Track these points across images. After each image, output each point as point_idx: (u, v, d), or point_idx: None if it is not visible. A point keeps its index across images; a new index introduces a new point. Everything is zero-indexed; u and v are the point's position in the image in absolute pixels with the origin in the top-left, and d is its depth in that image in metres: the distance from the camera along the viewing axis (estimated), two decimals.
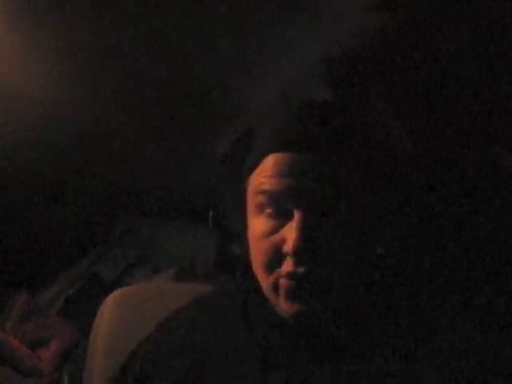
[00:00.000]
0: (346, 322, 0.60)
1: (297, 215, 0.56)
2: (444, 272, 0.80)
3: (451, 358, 0.55)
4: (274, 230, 0.59)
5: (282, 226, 0.58)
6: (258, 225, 0.61)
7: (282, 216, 0.59)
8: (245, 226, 0.66)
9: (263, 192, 0.59)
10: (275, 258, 0.58)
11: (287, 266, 0.57)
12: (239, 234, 0.68)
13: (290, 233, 0.56)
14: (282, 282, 0.58)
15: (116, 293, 0.97)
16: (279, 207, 0.59)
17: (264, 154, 0.60)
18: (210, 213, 1.71)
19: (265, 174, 0.59)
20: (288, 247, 0.56)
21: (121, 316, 0.93)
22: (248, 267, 0.65)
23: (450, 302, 0.63)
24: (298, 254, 0.55)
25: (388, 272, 0.64)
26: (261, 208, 0.60)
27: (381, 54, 0.83)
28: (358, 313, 0.61)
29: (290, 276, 0.57)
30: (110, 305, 0.95)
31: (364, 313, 0.61)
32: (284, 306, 0.58)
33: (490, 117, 0.88)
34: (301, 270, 0.56)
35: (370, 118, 0.63)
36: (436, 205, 0.86)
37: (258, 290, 0.64)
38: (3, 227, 1.63)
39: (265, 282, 0.61)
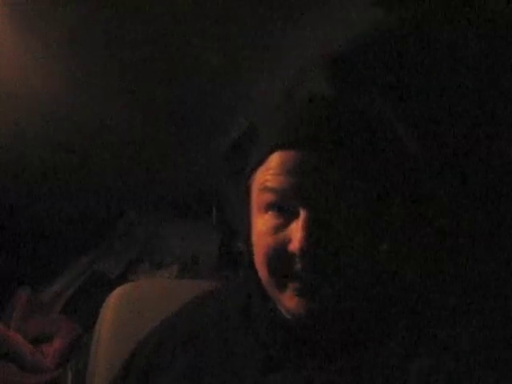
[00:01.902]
0: (350, 320, 0.60)
1: (303, 214, 0.56)
2: (448, 269, 0.80)
3: (454, 357, 0.55)
4: (279, 228, 0.58)
5: (287, 224, 0.58)
6: (262, 222, 0.60)
7: (287, 214, 0.58)
8: (247, 223, 0.65)
9: (269, 190, 0.58)
10: (280, 257, 0.58)
11: (293, 265, 0.57)
12: (242, 230, 0.68)
13: (296, 232, 0.56)
14: (289, 281, 0.58)
15: (119, 289, 0.97)
16: (285, 205, 0.58)
17: (270, 152, 0.60)
18: (214, 209, 1.70)
19: (271, 172, 0.59)
20: (294, 246, 0.55)
21: (124, 312, 0.93)
22: (251, 264, 0.64)
23: (455, 299, 0.63)
24: (304, 254, 0.55)
25: (391, 274, 0.63)
26: (266, 206, 0.60)
27: (386, 50, 0.82)
28: (361, 311, 0.61)
29: (297, 275, 0.57)
30: (113, 301, 0.95)
31: (368, 311, 0.61)
32: (290, 305, 0.58)
33: (496, 115, 0.87)
34: (307, 269, 0.56)
35: (376, 115, 0.62)
36: (441, 202, 0.86)
37: (260, 287, 0.64)
38: (7, 224, 1.63)
39: (268, 280, 0.60)
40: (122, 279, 1.57)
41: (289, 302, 0.58)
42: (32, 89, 1.11)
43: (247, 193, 0.65)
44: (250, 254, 0.64)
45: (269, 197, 0.59)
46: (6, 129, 1.27)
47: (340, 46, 0.83)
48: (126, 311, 0.93)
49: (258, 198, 0.61)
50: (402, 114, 0.80)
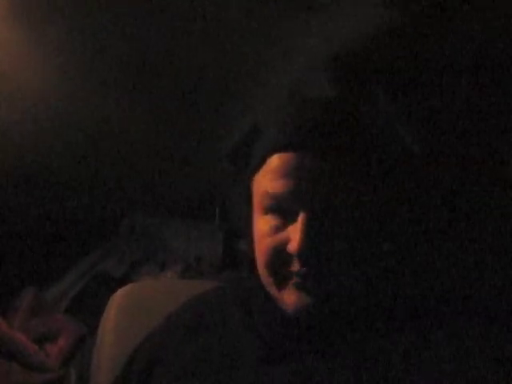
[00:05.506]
0: (349, 317, 0.61)
1: (301, 216, 0.57)
2: (448, 268, 0.80)
3: (453, 354, 0.56)
4: (279, 229, 0.59)
5: (286, 225, 0.59)
6: (262, 223, 0.61)
7: (286, 215, 0.59)
8: (249, 224, 0.66)
9: (268, 194, 0.59)
10: (279, 257, 0.59)
11: (292, 265, 0.58)
12: (244, 231, 0.69)
13: (295, 233, 0.57)
14: (288, 279, 0.59)
15: (123, 289, 0.98)
16: (284, 207, 0.59)
17: (268, 154, 0.60)
18: (217, 210, 1.71)
19: (270, 176, 0.59)
20: (292, 247, 0.56)
21: (128, 312, 0.93)
22: (253, 264, 0.65)
23: (454, 297, 0.63)
24: (302, 255, 0.56)
25: (392, 270, 0.64)
26: (266, 208, 0.61)
27: (387, 51, 0.82)
28: (360, 308, 0.61)
29: (295, 275, 0.58)
30: (117, 301, 0.95)
31: (366, 308, 0.61)
32: (288, 301, 0.59)
33: (498, 117, 0.87)
34: (305, 269, 0.57)
35: (376, 117, 0.62)
36: (440, 204, 0.86)
37: (262, 286, 0.64)
38: (11, 224, 1.64)
39: (268, 279, 0.62)
40: (125, 279, 1.57)
41: (287, 298, 0.59)
42: (31, 87, 1.11)
43: (249, 194, 0.66)
44: (252, 254, 0.65)
45: (269, 200, 0.60)
46: (6, 128, 1.27)
47: (345, 47, 0.83)
48: (130, 311, 0.94)
49: (258, 200, 0.62)
50: (406, 117, 0.80)
